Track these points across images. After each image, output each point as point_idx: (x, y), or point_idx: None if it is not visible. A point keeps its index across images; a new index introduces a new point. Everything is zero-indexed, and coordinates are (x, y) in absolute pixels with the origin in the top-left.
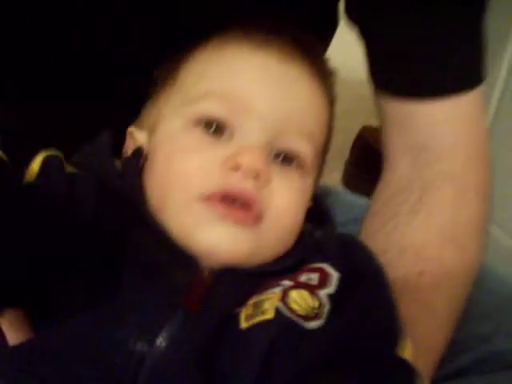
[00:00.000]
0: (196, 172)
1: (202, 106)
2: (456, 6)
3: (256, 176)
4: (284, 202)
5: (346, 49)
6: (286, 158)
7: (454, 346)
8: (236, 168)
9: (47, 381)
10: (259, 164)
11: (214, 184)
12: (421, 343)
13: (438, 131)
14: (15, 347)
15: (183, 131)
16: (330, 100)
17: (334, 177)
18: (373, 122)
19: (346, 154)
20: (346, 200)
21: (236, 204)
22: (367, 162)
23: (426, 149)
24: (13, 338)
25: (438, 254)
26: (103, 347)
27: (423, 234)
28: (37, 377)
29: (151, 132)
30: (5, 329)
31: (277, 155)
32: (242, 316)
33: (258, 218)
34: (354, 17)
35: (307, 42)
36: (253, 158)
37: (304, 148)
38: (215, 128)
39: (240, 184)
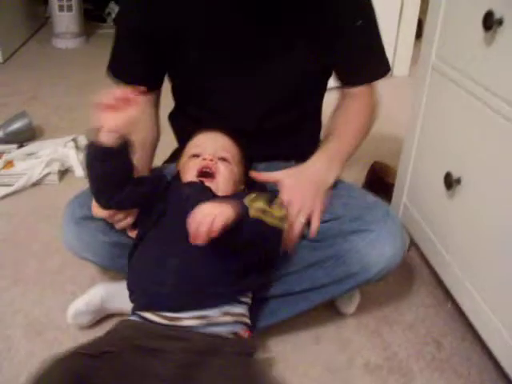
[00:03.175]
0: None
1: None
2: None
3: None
4: (222, 172)
5: None
6: (221, 159)
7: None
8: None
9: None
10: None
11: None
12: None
13: (358, 99)
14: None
15: (188, 159)
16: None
17: None
18: (381, 158)
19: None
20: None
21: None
22: (376, 187)
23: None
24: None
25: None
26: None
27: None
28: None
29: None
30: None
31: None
32: None
33: (214, 177)
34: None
35: None
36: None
37: (226, 155)
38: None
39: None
